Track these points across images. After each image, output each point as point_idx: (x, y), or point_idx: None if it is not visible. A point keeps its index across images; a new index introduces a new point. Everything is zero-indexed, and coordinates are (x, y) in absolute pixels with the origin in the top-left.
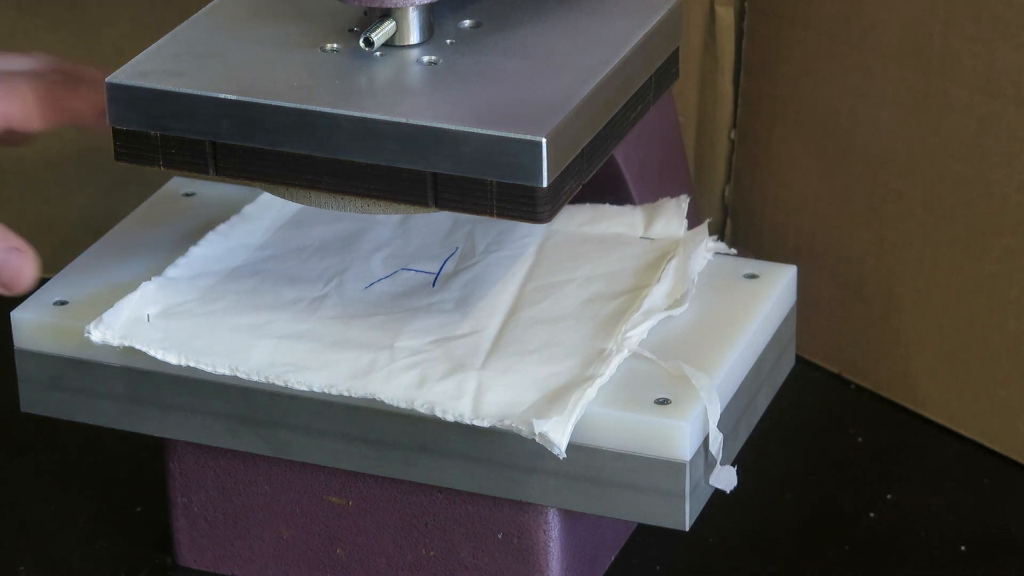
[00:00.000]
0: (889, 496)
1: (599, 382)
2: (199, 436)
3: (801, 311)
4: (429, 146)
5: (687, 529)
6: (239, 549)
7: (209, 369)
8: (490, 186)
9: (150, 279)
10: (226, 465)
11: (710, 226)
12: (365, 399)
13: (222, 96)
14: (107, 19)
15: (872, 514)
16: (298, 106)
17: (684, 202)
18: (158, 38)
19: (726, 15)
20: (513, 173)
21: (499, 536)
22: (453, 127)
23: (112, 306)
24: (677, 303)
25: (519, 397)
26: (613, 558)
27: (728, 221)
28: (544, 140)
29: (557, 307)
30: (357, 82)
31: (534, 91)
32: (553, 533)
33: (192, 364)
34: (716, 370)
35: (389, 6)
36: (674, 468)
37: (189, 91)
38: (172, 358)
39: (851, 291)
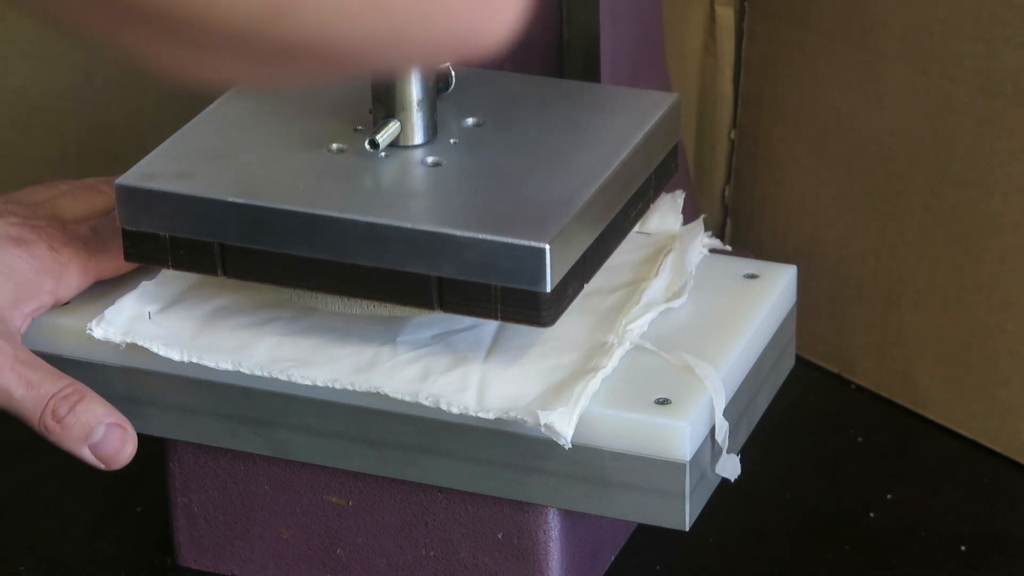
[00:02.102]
0: (889, 496)
1: (602, 373)
2: (199, 436)
3: (801, 311)
4: (434, 251)
5: (687, 529)
6: (239, 549)
7: (212, 365)
8: (494, 291)
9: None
10: (226, 465)
11: (709, 225)
12: (368, 395)
13: (230, 199)
14: None
15: (872, 514)
16: (305, 210)
17: (679, 197)
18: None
19: (726, 15)
20: (517, 278)
21: (499, 536)
22: (458, 232)
23: (112, 304)
24: (676, 295)
25: (523, 389)
26: (613, 558)
27: (728, 221)
28: (548, 246)
29: None
30: (363, 185)
31: (537, 193)
32: (553, 533)
33: (195, 360)
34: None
35: None
36: (674, 468)
37: (197, 194)
38: (175, 355)
39: (851, 291)
